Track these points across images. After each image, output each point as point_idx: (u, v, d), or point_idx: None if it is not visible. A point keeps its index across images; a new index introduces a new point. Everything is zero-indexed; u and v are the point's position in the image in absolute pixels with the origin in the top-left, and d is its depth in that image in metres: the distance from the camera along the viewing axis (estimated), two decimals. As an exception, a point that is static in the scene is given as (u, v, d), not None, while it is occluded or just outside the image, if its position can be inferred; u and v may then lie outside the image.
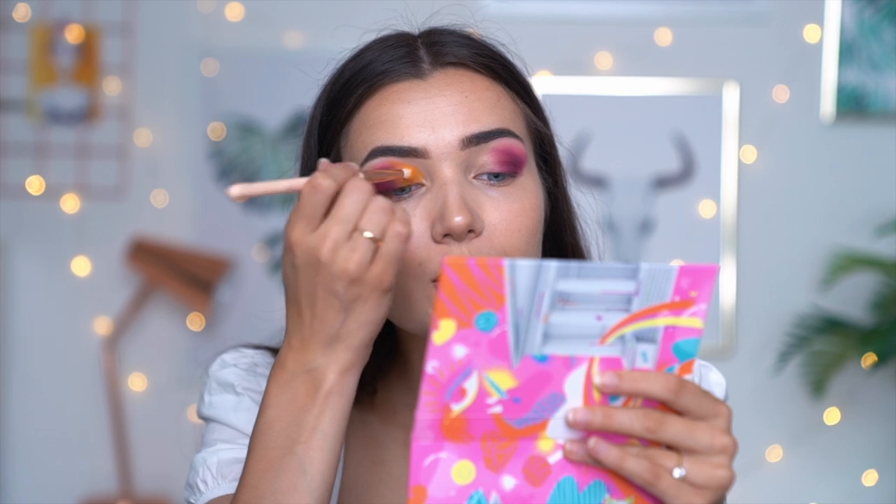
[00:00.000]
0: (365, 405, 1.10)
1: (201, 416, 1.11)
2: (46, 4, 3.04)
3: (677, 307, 0.82)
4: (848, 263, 2.84)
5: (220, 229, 3.03)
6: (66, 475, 3.02)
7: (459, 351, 0.81)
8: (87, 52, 3.05)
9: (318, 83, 1.07)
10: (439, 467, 0.83)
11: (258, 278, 2.97)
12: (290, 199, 3.02)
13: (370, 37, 1.07)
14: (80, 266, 3.04)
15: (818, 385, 2.84)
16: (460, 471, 0.83)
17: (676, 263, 0.82)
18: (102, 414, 3.02)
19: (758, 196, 3.00)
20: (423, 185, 0.98)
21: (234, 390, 1.09)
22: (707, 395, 0.85)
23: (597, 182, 2.97)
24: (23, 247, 3.05)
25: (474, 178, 0.99)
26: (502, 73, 1.03)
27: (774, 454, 2.98)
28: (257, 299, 2.97)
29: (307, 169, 1.06)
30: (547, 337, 0.82)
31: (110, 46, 3.05)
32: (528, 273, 0.80)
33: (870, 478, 2.97)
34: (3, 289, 3.02)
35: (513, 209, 0.98)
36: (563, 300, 0.81)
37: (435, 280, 0.97)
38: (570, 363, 0.82)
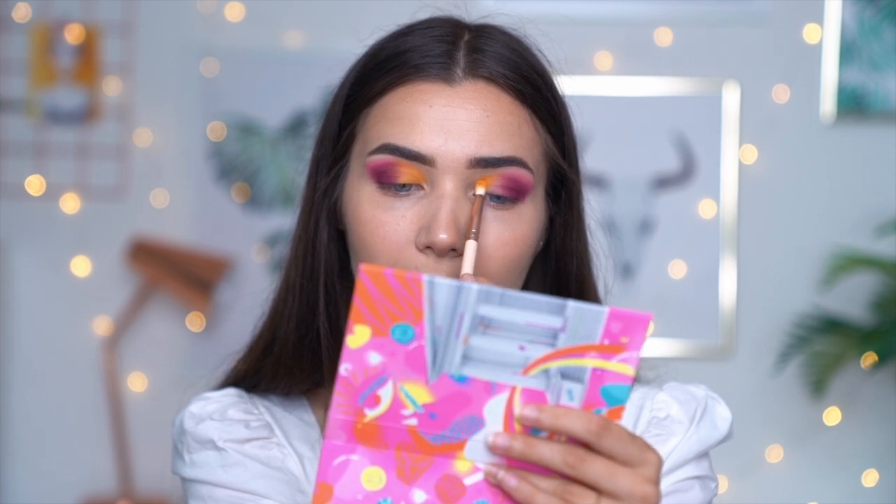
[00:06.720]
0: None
1: (183, 477, 1.07)
2: (46, 4, 3.04)
3: (606, 351, 0.81)
4: (848, 263, 2.84)
5: (220, 229, 3.03)
6: (66, 475, 3.02)
7: (374, 358, 0.80)
8: (87, 52, 3.05)
9: (321, 84, 1.06)
10: (349, 469, 0.82)
11: (258, 278, 2.96)
12: (290, 198, 3.02)
13: (374, 37, 1.06)
14: (80, 266, 3.04)
15: (818, 385, 2.84)
16: (370, 476, 0.82)
17: (608, 307, 0.80)
18: (102, 414, 3.01)
19: (758, 196, 3.00)
20: (422, 188, 0.98)
21: (215, 445, 1.06)
22: (637, 441, 0.82)
23: (597, 182, 2.97)
24: (23, 247, 3.04)
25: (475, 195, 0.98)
26: (533, 97, 1.02)
27: (774, 454, 2.98)
28: (257, 299, 2.96)
29: (326, 139, 1.05)
30: (466, 358, 0.81)
31: (110, 46, 3.05)
32: (447, 292, 0.78)
33: (870, 478, 2.97)
34: (3, 289, 3.01)
35: (503, 237, 0.98)
36: (484, 325, 0.80)
37: None
38: (490, 388, 0.81)
